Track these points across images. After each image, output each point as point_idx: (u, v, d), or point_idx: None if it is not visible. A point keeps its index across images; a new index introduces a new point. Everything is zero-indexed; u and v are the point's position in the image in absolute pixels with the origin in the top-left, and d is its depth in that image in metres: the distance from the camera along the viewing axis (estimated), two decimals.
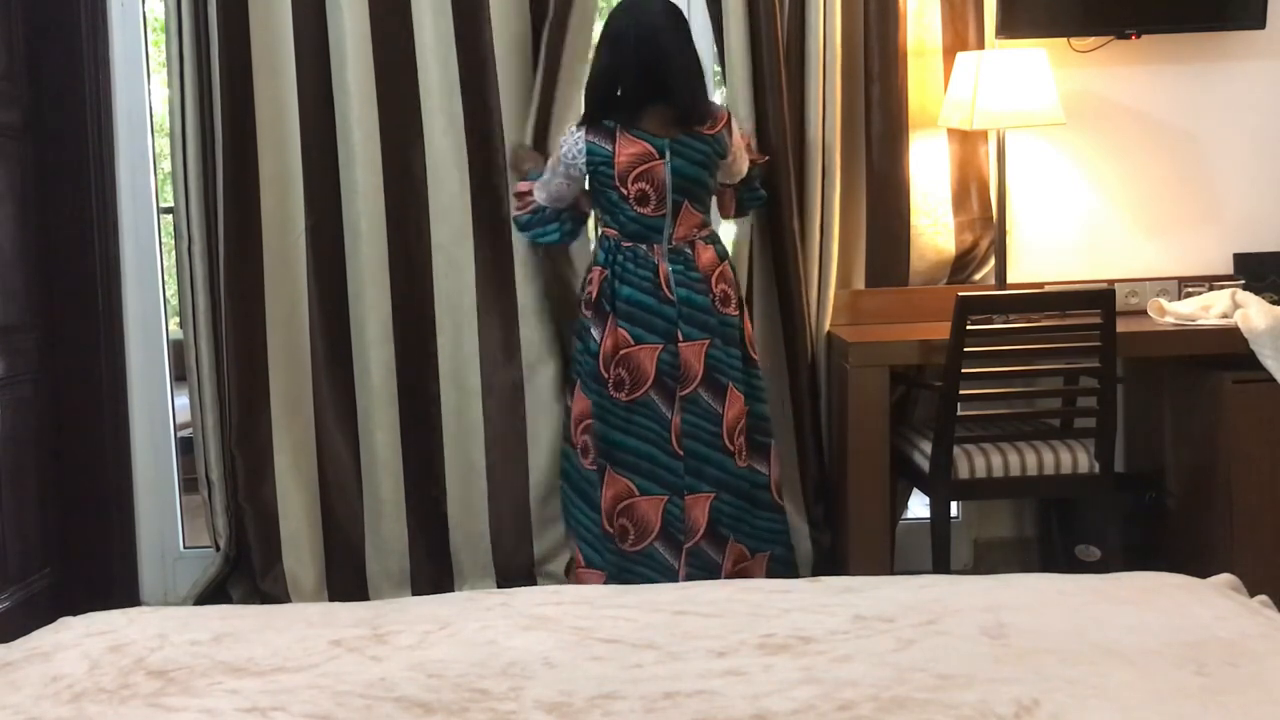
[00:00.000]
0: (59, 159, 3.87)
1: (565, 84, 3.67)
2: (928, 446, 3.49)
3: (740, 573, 3.46)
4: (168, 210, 4.07)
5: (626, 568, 3.45)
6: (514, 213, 3.64)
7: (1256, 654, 1.83)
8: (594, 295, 3.44)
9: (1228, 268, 3.96)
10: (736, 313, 3.47)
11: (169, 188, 3.97)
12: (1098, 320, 3.33)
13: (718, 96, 3.81)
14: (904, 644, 1.90)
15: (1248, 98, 3.97)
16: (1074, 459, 3.45)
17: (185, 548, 4.14)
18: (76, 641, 2.04)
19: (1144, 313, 3.80)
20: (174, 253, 3.94)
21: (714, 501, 3.43)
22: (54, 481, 3.89)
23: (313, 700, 1.77)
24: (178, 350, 4.01)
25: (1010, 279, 3.81)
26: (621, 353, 3.38)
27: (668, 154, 3.34)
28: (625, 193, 3.35)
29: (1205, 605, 2.04)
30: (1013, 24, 3.78)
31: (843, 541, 3.72)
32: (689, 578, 3.39)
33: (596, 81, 3.42)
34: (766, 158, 3.67)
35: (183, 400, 4.08)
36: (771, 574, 3.51)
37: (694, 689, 1.76)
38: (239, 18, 3.74)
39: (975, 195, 3.93)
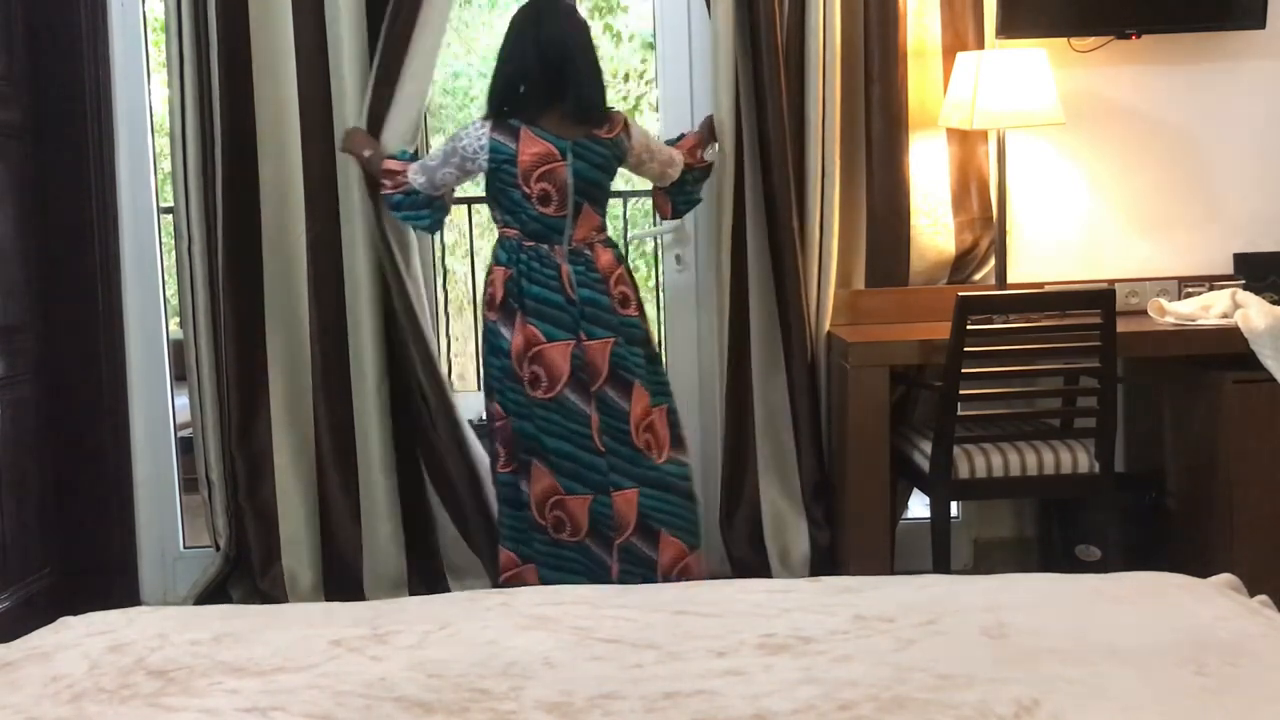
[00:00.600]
0: (59, 159, 3.87)
1: (407, 77, 3.65)
2: (928, 446, 3.49)
3: (683, 571, 3.48)
4: (168, 210, 4.07)
5: (562, 558, 3.49)
6: (384, 190, 3.57)
7: (1256, 654, 1.83)
8: (498, 295, 3.43)
9: (1228, 268, 3.96)
10: (636, 314, 3.49)
11: (169, 188, 3.97)
12: (1098, 320, 3.33)
13: (707, 97, 3.83)
14: (904, 644, 1.90)
15: (1248, 98, 3.97)
16: (1074, 459, 3.45)
17: (185, 548, 4.14)
18: (76, 641, 2.04)
19: (1144, 313, 3.80)
20: (174, 253, 3.94)
21: (639, 497, 3.45)
22: (54, 481, 3.89)
23: (313, 700, 1.77)
24: (178, 350, 4.01)
25: (1010, 279, 3.81)
26: (534, 350, 3.39)
27: (569, 155, 3.36)
28: (528, 192, 3.36)
29: (1205, 605, 2.04)
30: (1013, 24, 3.78)
31: (843, 541, 3.72)
32: (622, 574, 3.44)
33: (500, 79, 3.43)
34: (709, 162, 3.67)
35: (183, 400, 4.08)
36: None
37: (694, 689, 1.76)
38: (239, 18, 3.74)
39: (975, 195, 3.93)
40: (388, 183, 3.53)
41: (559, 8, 3.43)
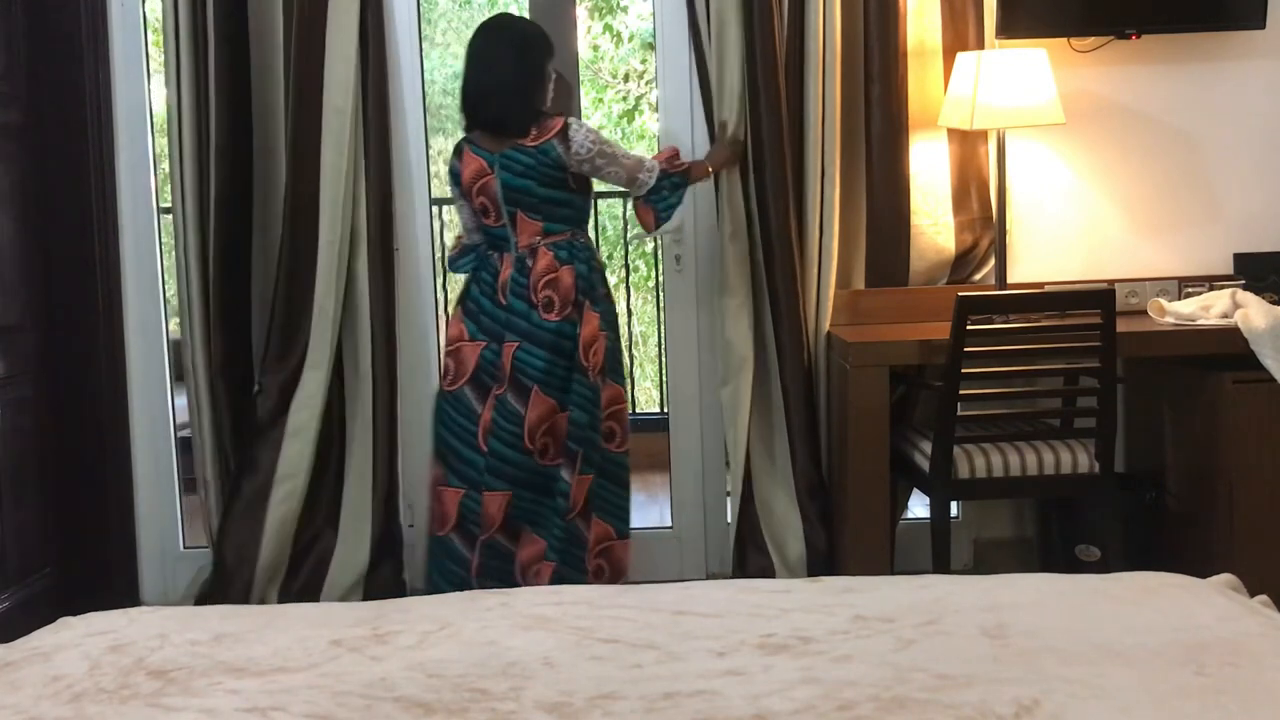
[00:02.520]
0: (59, 159, 3.88)
1: None
2: (928, 446, 3.49)
3: (535, 574, 3.50)
4: (167, 210, 4.07)
5: (431, 549, 3.62)
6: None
7: (1256, 654, 1.83)
8: (461, 294, 3.64)
9: (1228, 268, 3.96)
10: (556, 319, 3.48)
11: (169, 188, 3.97)
12: (1098, 320, 3.33)
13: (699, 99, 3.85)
14: (904, 644, 1.90)
15: (1248, 98, 3.97)
16: (1074, 459, 3.45)
17: (185, 548, 4.14)
18: (76, 641, 2.04)
19: (1144, 313, 3.80)
20: (173, 253, 3.94)
21: (510, 499, 3.50)
22: (54, 481, 3.89)
23: (313, 700, 1.77)
24: (178, 350, 4.01)
25: (1010, 279, 3.81)
26: (453, 345, 3.58)
27: (497, 167, 3.47)
28: (474, 206, 3.55)
29: (1205, 605, 2.04)
30: (1013, 24, 3.78)
31: (843, 541, 3.72)
32: (482, 568, 3.52)
33: (460, 105, 3.59)
34: (684, 165, 3.64)
35: (183, 400, 4.08)
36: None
37: (694, 689, 1.76)
38: (237, 20, 3.74)
39: (975, 195, 3.93)
40: (452, 249, 3.73)
41: (488, 24, 3.58)
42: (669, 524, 4.20)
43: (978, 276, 3.96)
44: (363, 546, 3.87)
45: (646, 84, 7.48)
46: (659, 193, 3.59)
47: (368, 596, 3.76)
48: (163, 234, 4.14)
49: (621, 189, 3.69)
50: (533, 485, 3.50)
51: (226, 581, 3.77)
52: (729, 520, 4.00)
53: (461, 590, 2.56)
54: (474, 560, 3.53)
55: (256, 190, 3.84)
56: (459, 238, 3.72)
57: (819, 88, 3.73)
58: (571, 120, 3.48)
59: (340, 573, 3.86)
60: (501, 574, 3.51)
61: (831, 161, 3.76)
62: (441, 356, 3.66)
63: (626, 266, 5.98)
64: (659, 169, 3.57)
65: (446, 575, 3.55)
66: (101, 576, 3.95)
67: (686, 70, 3.95)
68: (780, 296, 3.78)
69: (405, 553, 3.95)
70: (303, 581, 3.83)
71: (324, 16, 3.71)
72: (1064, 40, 3.87)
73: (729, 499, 4.02)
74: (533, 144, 3.45)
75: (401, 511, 3.97)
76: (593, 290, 3.53)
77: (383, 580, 3.89)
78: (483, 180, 3.49)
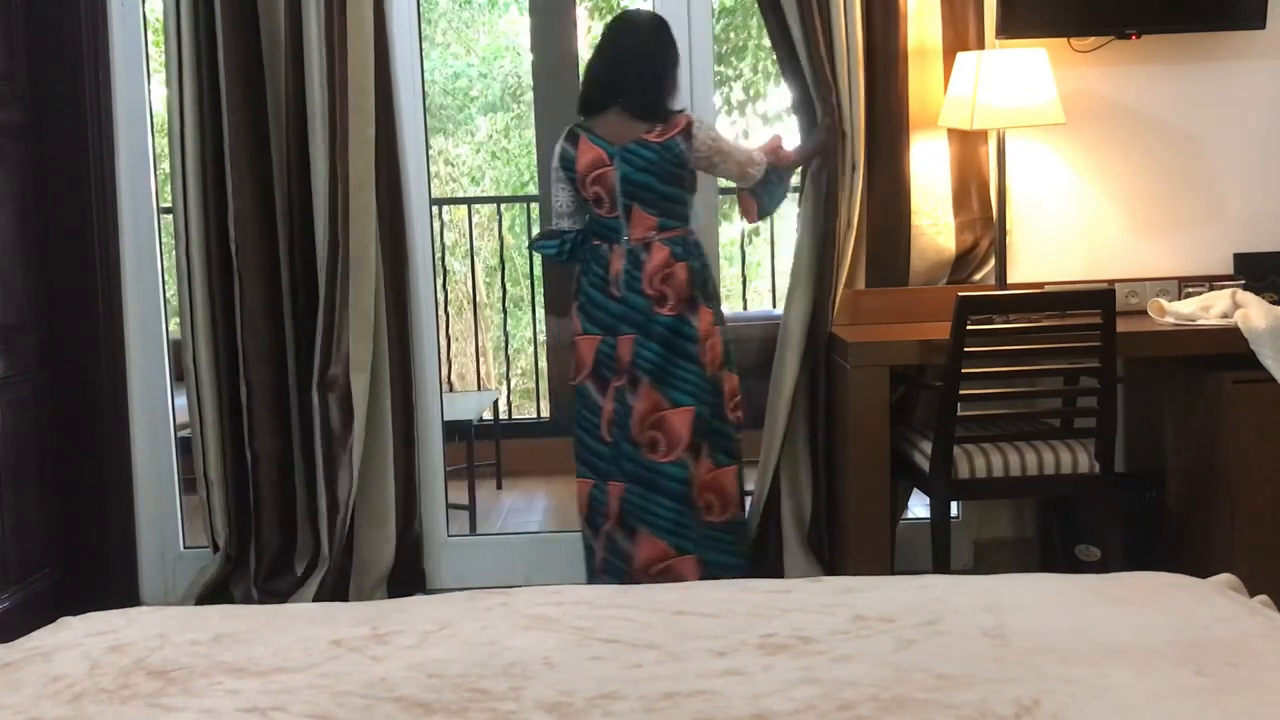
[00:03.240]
0: (59, 159, 3.88)
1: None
2: (928, 446, 3.48)
3: (663, 571, 3.50)
4: (168, 210, 4.07)
5: (586, 544, 3.68)
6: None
7: (1256, 654, 1.83)
8: (574, 289, 3.66)
9: (1228, 268, 3.96)
10: (671, 314, 3.52)
11: (169, 188, 3.97)
12: (1098, 320, 3.33)
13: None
14: (904, 644, 1.90)
15: (1248, 98, 3.97)
16: (1074, 459, 3.45)
17: (185, 548, 4.14)
18: (76, 641, 2.04)
19: (1144, 313, 3.80)
20: (174, 253, 3.94)
21: (624, 492, 3.54)
22: (54, 481, 3.89)
23: (313, 700, 1.77)
24: (178, 350, 4.01)
25: (1010, 279, 3.81)
26: (574, 339, 3.64)
27: (617, 160, 3.49)
28: (586, 195, 3.57)
29: (1205, 605, 2.04)
30: (1013, 24, 3.78)
31: (843, 541, 3.72)
32: (604, 563, 3.56)
33: (582, 86, 3.65)
34: (795, 159, 3.73)
35: (183, 400, 4.09)
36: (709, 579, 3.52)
37: (694, 689, 1.76)
38: (239, 18, 3.74)
39: (975, 195, 3.93)
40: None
41: (630, 18, 3.68)
42: None
43: (978, 276, 3.96)
44: (386, 547, 3.88)
45: None
46: (765, 184, 3.68)
47: (391, 596, 3.77)
48: (163, 234, 4.14)
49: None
50: (642, 480, 3.53)
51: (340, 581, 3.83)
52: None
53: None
54: (599, 553, 3.58)
55: (261, 190, 3.82)
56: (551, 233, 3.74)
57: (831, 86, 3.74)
58: (694, 118, 3.57)
59: (361, 573, 3.87)
60: (623, 574, 3.53)
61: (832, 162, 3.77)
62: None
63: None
64: (765, 162, 3.64)
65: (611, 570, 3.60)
66: (101, 576, 3.95)
67: (686, 70, 3.94)
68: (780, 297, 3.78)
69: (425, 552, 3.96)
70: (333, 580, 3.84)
71: (344, 18, 3.71)
72: (1064, 40, 3.87)
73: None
74: (657, 139, 3.50)
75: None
76: (705, 286, 3.60)
77: (405, 579, 3.90)
78: (599, 171, 3.52)
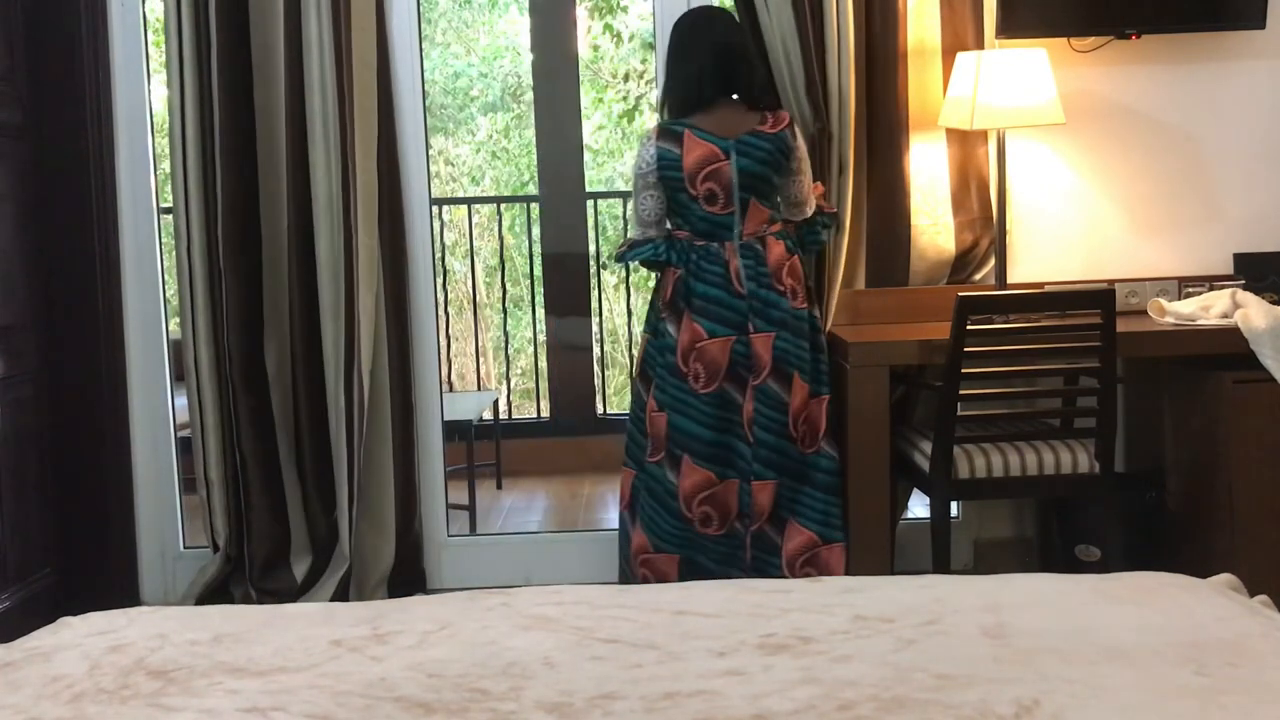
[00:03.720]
0: (59, 159, 3.88)
1: None
2: (928, 446, 3.49)
3: (810, 561, 3.52)
4: (168, 210, 4.07)
5: (701, 548, 3.54)
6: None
7: (1256, 654, 1.83)
8: (669, 295, 3.54)
9: (1228, 268, 3.96)
10: (804, 305, 3.55)
11: (169, 188, 3.97)
12: (1098, 320, 3.33)
13: None
14: (904, 644, 1.90)
15: (1248, 98, 3.97)
16: (1074, 459, 3.45)
17: (185, 548, 4.14)
18: (76, 641, 2.04)
19: (1144, 313, 3.80)
20: (174, 253, 3.94)
21: (777, 487, 3.52)
22: (54, 481, 3.89)
23: (313, 700, 1.77)
24: (178, 350, 4.01)
25: (1010, 279, 3.81)
26: (697, 347, 3.48)
27: (733, 154, 3.44)
28: (694, 193, 3.47)
29: (1205, 605, 2.04)
30: (1013, 24, 3.78)
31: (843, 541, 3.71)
32: (754, 560, 3.54)
33: (679, 81, 3.54)
34: (835, 210, 3.71)
35: (183, 400, 4.08)
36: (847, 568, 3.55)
37: (694, 689, 1.76)
38: (239, 19, 3.74)
39: (975, 195, 3.93)
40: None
41: (717, 15, 3.67)
42: None
43: (978, 276, 3.96)
44: (386, 547, 3.88)
45: (646, 84, 7.48)
46: (811, 226, 3.64)
47: (391, 596, 3.77)
48: (163, 234, 4.14)
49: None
50: (795, 473, 3.54)
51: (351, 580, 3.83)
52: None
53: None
54: (747, 551, 3.55)
55: (263, 188, 3.82)
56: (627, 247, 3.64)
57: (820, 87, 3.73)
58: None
59: (361, 573, 3.87)
60: (774, 569, 3.53)
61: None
62: (683, 361, 3.48)
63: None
64: (817, 204, 3.62)
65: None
66: (101, 576, 3.95)
67: None
68: None
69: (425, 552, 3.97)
70: (336, 581, 3.84)
71: (345, 18, 3.71)
72: (1064, 40, 3.87)
73: None
74: (771, 130, 3.48)
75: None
76: (808, 279, 3.61)
77: (405, 580, 3.90)
78: (713, 166, 3.45)
